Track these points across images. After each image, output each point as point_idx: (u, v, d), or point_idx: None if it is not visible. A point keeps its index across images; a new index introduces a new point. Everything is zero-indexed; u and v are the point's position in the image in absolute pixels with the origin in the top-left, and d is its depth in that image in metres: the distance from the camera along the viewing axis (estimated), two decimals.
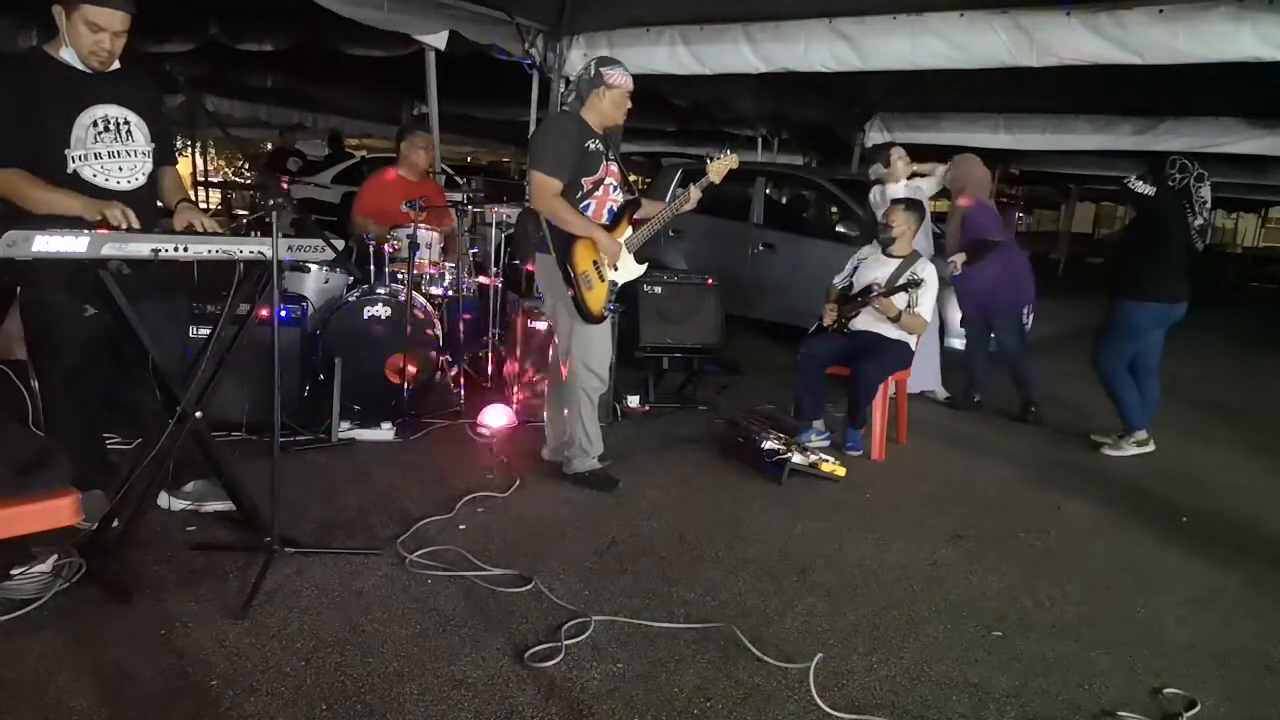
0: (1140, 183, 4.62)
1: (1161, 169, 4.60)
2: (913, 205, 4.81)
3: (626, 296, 4.96)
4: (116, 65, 2.78)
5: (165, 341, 2.87)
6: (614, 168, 3.64)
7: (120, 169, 2.80)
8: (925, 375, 5.74)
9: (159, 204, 2.97)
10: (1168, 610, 3.06)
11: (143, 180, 2.87)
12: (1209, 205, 4.60)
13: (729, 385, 5.74)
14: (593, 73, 3.53)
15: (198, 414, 2.74)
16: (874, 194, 5.72)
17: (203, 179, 14.64)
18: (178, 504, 3.17)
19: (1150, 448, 4.90)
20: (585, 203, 3.57)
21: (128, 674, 2.22)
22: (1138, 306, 4.69)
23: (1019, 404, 5.53)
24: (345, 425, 4.18)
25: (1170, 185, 4.55)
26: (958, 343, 6.41)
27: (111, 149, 2.78)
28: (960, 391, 5.73)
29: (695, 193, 3.67)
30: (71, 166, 2.71)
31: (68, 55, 2.69)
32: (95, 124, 2.75)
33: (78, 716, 2.05)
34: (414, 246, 4.57)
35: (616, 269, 3.67)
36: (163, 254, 2.50)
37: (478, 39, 5.64)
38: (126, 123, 2.82)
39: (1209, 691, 2.53)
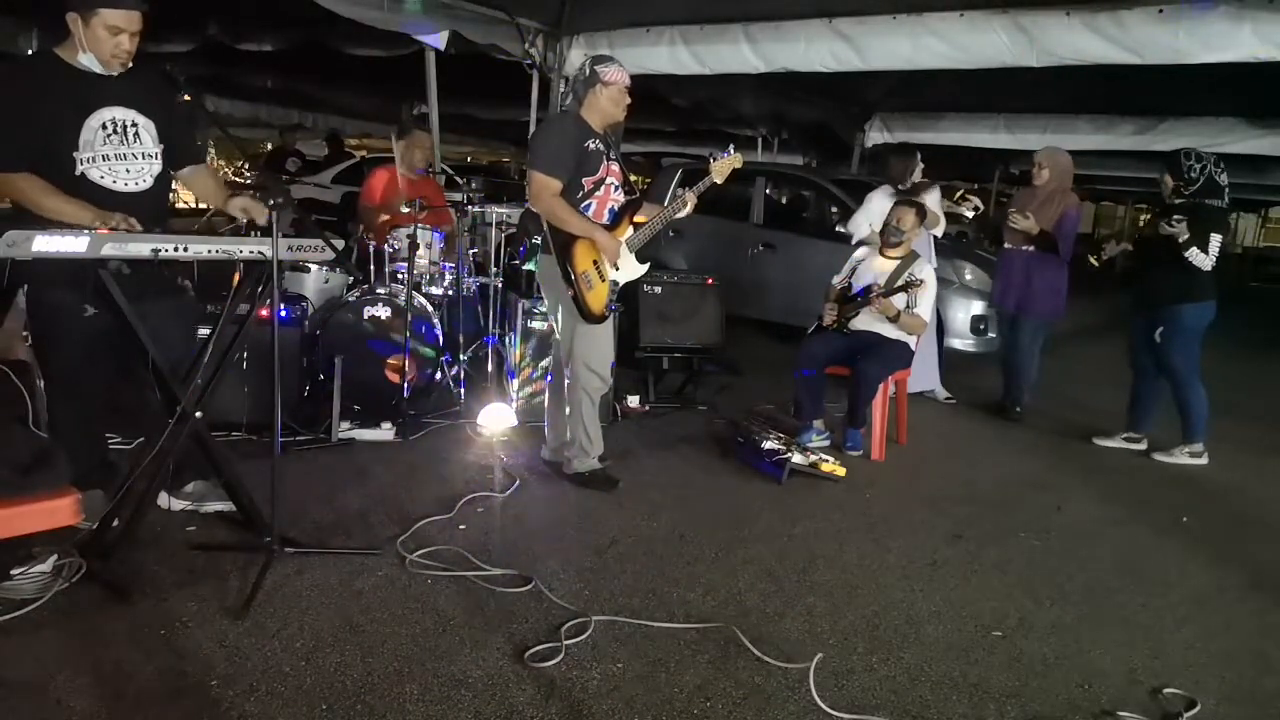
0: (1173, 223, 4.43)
1: (1178, 164, 4.56)
2: (922, 210, 4.85)
3: (627, 297, 4.96)
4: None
5: (172, 341, 2.88)
6: (615, 167, 3.63)
7: (127, 171, 2.80)
8: (925, 375, 5.74)
9: (173, 206, 2.97)
10: (1168, 610, 3.06)
11: (150, 182, 2.87)
12: (1228, 190, 4.61)
13: (729, 385, 5.74)
14: (588, 71, 3.53)
15: (198, 414, 2.74)
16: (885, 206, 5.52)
17: None
18: (178, 504, 3.17)
19: (1203, 460, 4.76)
20: (586, 203, 3.56)
21: (128, 674, 2.22)
22: (1203, 306, 4.60)
23: (1003, 401, 5.52)
24: (345, 425, 4.18)
25: (1194, 178, 4.51)
26: (958, 343, 6.41)
27: (118, 151, 2.78)
28: (1004, 396, 5.62)
29: (691, 197, 3.66)
30: (79, 168, 2.71)
31: (87, 60, 2.69)
32: (104, 126, 2.75)
33: (78, 716, 2.05)
34: (414, 246, 4.57)
35: (617, 268, 3.67)
36: (162, 254, 2.50)
37: (478, 39, 5.64)
38: (134, 125, 2.82)
39: (1209, 691, 2.53)
